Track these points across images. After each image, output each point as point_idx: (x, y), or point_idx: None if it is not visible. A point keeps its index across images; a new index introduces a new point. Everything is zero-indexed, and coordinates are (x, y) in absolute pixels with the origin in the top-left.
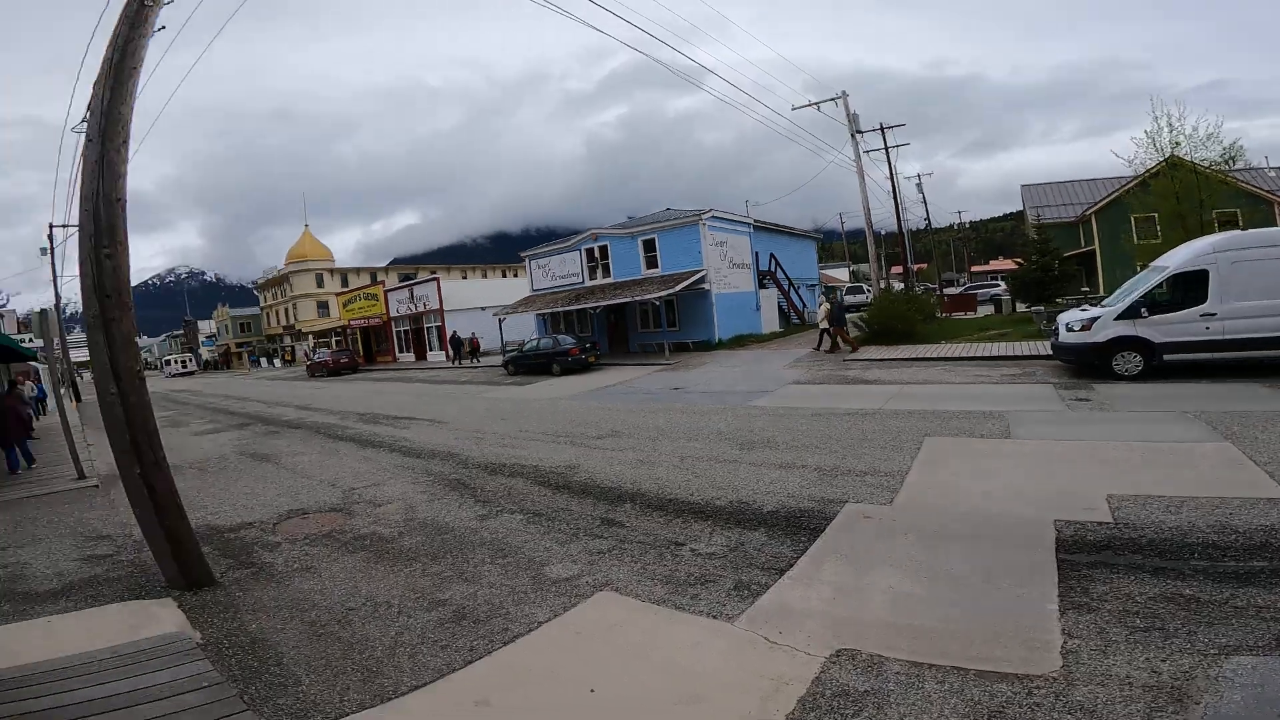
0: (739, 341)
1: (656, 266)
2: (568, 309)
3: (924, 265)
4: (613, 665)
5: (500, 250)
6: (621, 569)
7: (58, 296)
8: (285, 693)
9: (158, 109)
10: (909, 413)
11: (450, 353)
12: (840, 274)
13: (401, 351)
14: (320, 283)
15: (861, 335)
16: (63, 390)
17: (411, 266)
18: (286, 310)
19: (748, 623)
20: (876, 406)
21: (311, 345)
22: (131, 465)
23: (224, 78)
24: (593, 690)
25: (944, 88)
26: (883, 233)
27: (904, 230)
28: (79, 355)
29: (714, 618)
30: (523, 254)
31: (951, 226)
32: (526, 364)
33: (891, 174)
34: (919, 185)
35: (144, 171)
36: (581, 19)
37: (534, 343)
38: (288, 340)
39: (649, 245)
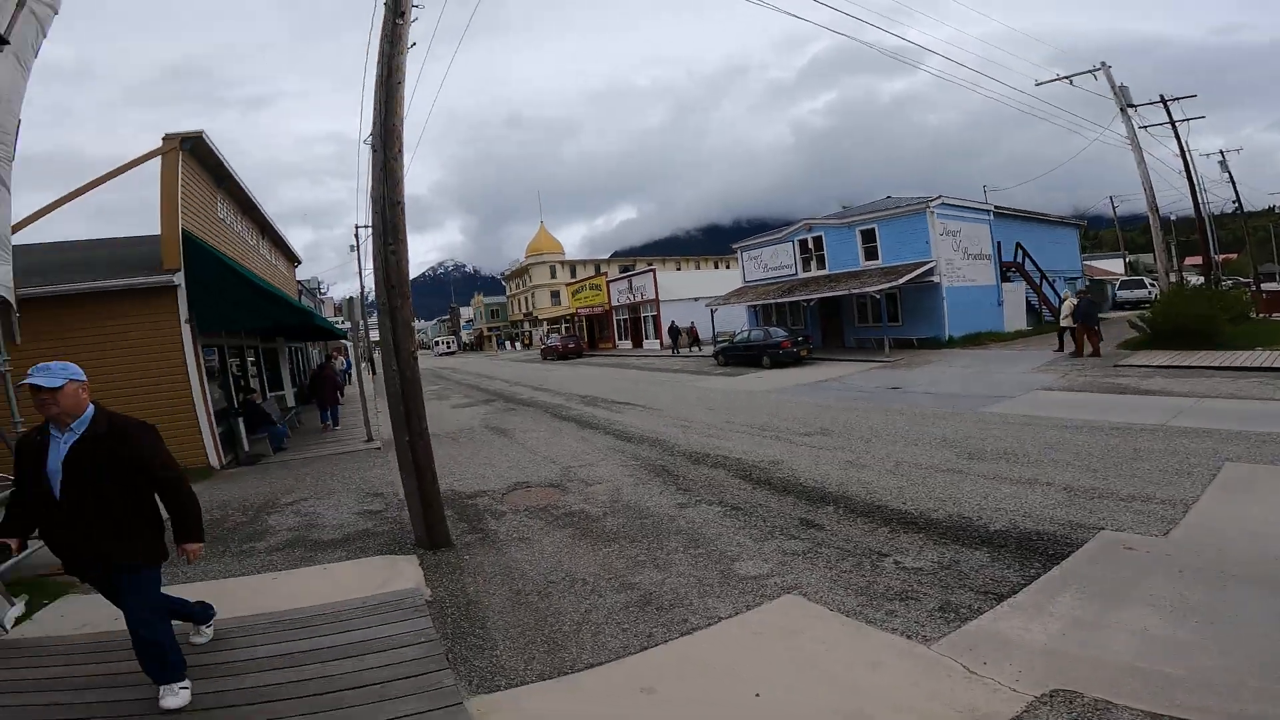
0: (974, 340)
1: (876, 258)
2: (780, 301)
3: (1233, 256)
4: (784, 672)
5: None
6: (813, 574)
7: (361, 286)
8: (482, 655)
9: (423, 120)
10: (1204, 431)
11: (668, 341)
12: (1112, 265)
13: (620, 339)
14: (553, 274)
15: (1141, 337)
16: (362, 365)
17: (630, 259)
18: (526, 299)
19: (947, 648)
20: (1157, 422)
21: (545, 331)
22: (402, 433)
23: (468, 91)
24: (757, 694)
25: (1238, 56)
26: (1172, 218)
27: (1204, 214)
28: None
29: (908, 637)
30: (734, 245)
31: (1272, 209)
32: (737, 355)
33: (1183, 151)
34: (1223, 163)
35: (420, 178)
36: (778, 7)
37: (745, 334)
38: (526, 326)
39: (868, 235)
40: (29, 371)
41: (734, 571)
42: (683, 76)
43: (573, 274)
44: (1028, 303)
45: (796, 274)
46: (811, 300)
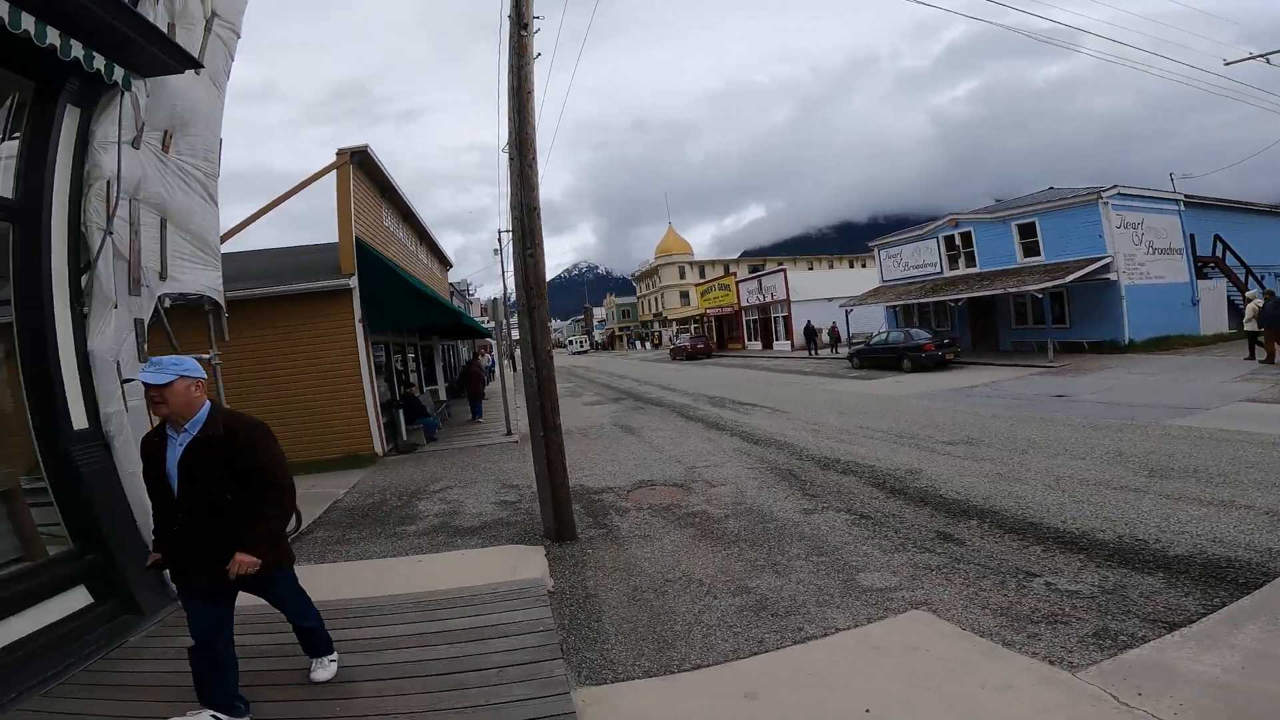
0: (1162, 343)
1: (1038, 254)
2: (923, 301)
3: None
4: (901, 689)
5: (845, 240)
6: (948, 590)
7: (504, 287)
8: (593, 648)
9: (553, 126)
10: None
11: (801, 341)
12: None
13: (750, 339)
14: (682, 274)
15: None
16: (504, 362)
17: (759, 258)
18: (656, 299)
19: (1096, 675)
20: None
21: (674, 331)
22: (537, 428)
23: (594, 97)
24: (868, 710)
25: None
26: None
27: None
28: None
29: (1050, 662)
30: (871, 243)
31: None
32: (873, 358)
33: None
34: None
35: (553, 182)
36: None
37: (882, 335)
38: (656, 326)
39: (1026, 230)
40: (142, 366)
41: (857, 582)
42: (806, 72)
43: (701, 274)
44: (1229, 302)
45: (942, 272)
46: (960, 300)
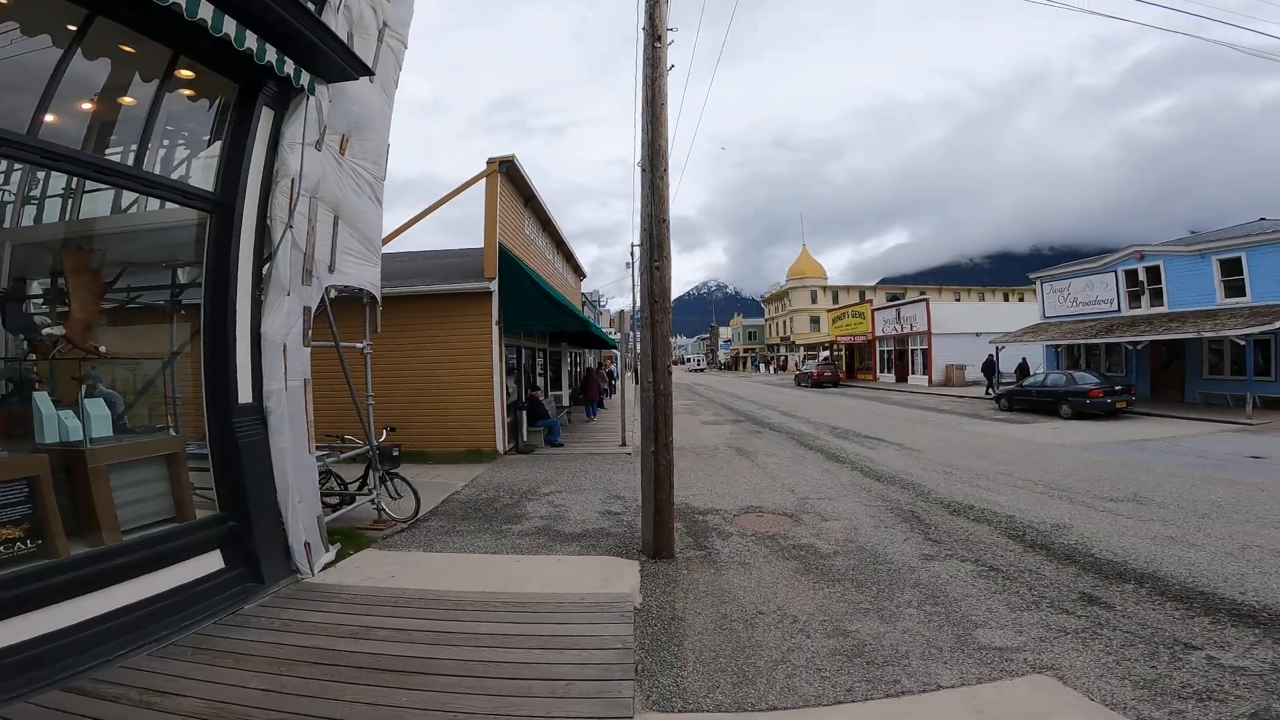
0: None
1: (1242, 294)
2: (1092, 341)
3: None
4: None
5: (1001, 271)
6: (1083, 656)
7: (634, 300)
8: (669, 673)
9: (689, 144)
10: None
11: (978, 376)
12: None
13: (883, 371)
14: (814, 299)
15: None
16: (627, 374)
17: (900, 286)
18: (785, 322)
19: None
20: None
21: (801, 357)
22: (649, 442)
23: (734, 112)
24: None
25: None
26: None
27: None
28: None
29: None
30: (1032, 275)
31: None
32: (1026, 400)
33: None
34: None
35: (688, 199)
36: (1092, 9)
37: (1039, 377)
38: (782, 350)
39: (1230, 266)
40: None
41: (973, 638)
42: (962, 89)
43: (834, 300)
44: None
45: (1119, 310)
46: (1140, 343)
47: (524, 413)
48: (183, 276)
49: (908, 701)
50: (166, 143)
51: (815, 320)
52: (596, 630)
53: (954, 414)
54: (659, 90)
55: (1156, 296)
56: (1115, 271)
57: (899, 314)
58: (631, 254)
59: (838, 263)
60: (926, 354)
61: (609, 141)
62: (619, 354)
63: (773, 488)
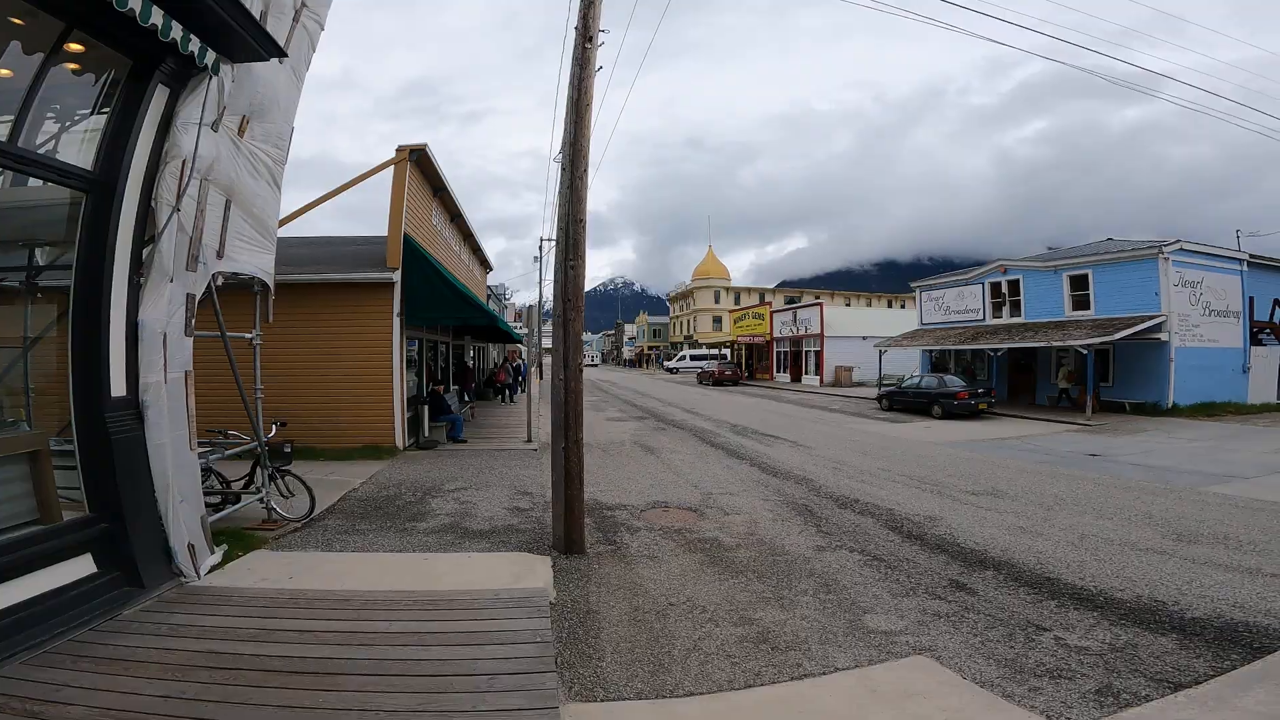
0: (1207, 409)
1: (1088, 308)
2: (960, 348)
3: None
4: None
5: (887, 279)
6: (954, 638)
7: (540, 295)
8: (588, 664)
9: (606, 140)
10: None
11: (869, 379)
12: None
13: (779, 371)
14: (717, 299)
15: None
16: (533, 369)
17: (797, 290)
18: (689, 321)
19: None
20: None
21: (686, 356)
22: (559, 439)
23: (651, 113)
24: None
25: None
26: None
27: None
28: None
29: (1048, 717)
30: (913, 284)
31: None
32: (904, 401)
33: None
34: None
35: (600, 195)
36: (982, 35)
37: (915, 380)
38: (685, 348)
39: (1078, 282)
40: None
41: (863, 623)
42: (871, 102)
43: (736, 301)
44: None
45: (984, 320)
46: (1000, 350)
47: (425, 408)
48: (43, 257)
49: (810, 684)
50: (42, 115)
51: (718, 320)
52: (514, 625)
53: (842, 413)
54: (585, 90)
55: (1015, 308)
56: (983, 283)
57: (795, 316)
58: (540, 248)
59: (741, 264)
60: (819, 355)
61: (526, 133)
62: (524, 349)
63: (678, 483)
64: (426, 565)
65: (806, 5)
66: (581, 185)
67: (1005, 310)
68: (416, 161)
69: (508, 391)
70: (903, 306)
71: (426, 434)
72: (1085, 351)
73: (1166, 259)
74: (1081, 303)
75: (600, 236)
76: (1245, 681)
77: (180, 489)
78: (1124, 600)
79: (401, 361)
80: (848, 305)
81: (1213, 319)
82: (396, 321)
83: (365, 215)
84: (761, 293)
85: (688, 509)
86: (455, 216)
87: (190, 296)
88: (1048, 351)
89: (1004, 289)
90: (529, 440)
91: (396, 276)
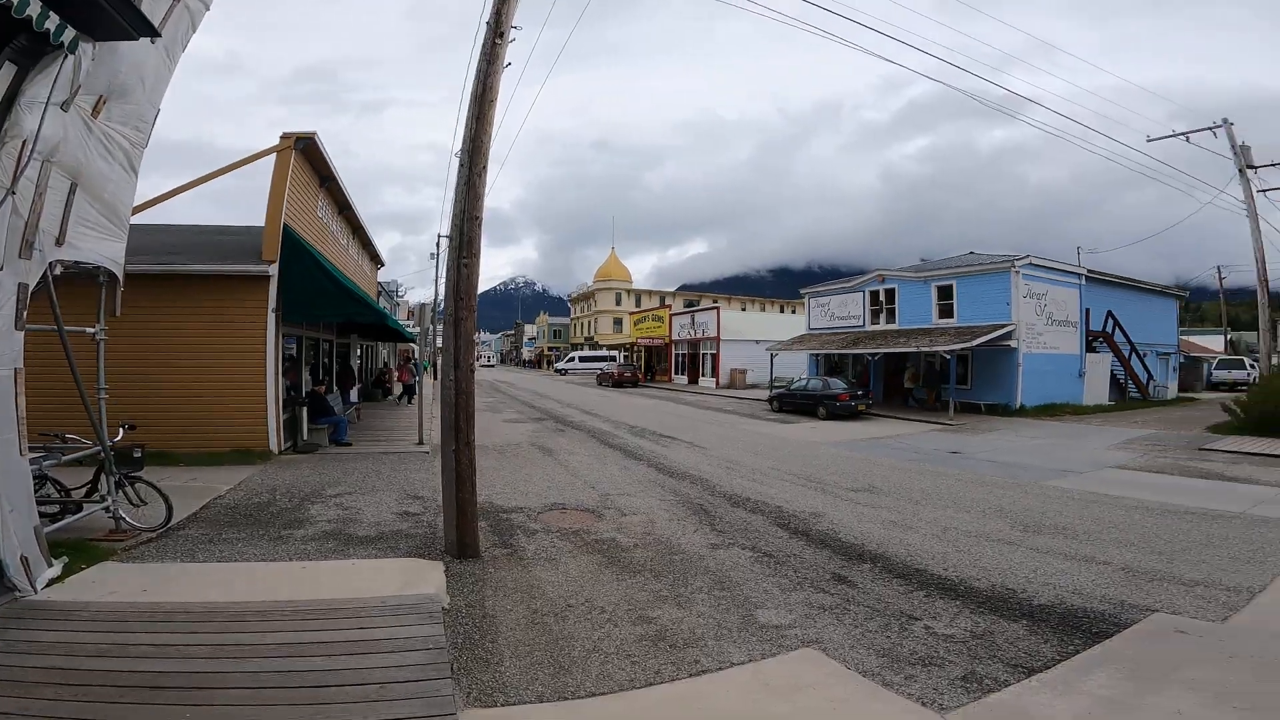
0: (1049, 410)
1: (951, 316)
2: (843, 352)
3: None
4: None
5: (781, 284)
6: (838, 630)
7: (436, 293)
8: (486, 669)
9: (513, 138)
10: None
11: (760, 381)
12: (1212, 342)
13: (677, 373)
14: (618, 301)
15: (1233, 422)
16: (427, 369)
17: (696, 293)
18: (590, 323)
19: (963, 718)
20: (1238, 510)
21: (576, 357)
22: (449, 441)
23: (561, 113)
24: None
25: None
26: None
27: None
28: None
29: (923, 704)
30: (803, 290)
31: None
32: (792, 403)
33: None
34: None
35: (504, 193)
36: (871, 51)
37: (803, 382)
38: (586, 349)
39: (944, 292)
40: None
41: (755, 618)
42: (774, 113)
43: (637, 303)
44: (1113, 375)
45: (864, 326)
46: (876, 354)
47: (304, 409)
48: None
49: (707, 679)
50: None
51: (619, 322)
52: (405, 633)
53: (736, 414)
54: (491, 86)
55: (891, 315)
56: (863, 291)
57: (693, 320)
58: (438, 245)
59: (644, 267)
60: (715, 358)
61: (429, 126)
62: (417, 348)
63: (575, 485)
64: (305, 574)
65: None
66: (480, 182)
67: (882, 317)
68: (303, 150)
69: (408, 394)
70: (794, 312)
71: (305, 437)
72: (949, 356)
73: (1017, 272)
74: (947, 311)
75: (503, 235)
76: (1088, 665)
77: (10, 497)
78: (981, 589)
79: (277, 360)
80: (743, 310)
81: (1055, 328)
82: (272, 317)
83: (246, 204)
84: (662, 295)
85: (585, 510)
86: (344, 208)
87: (23, 286)
88: (917, 356)
89: (882, 297)
90: (420, 443)
91: (273, 270)
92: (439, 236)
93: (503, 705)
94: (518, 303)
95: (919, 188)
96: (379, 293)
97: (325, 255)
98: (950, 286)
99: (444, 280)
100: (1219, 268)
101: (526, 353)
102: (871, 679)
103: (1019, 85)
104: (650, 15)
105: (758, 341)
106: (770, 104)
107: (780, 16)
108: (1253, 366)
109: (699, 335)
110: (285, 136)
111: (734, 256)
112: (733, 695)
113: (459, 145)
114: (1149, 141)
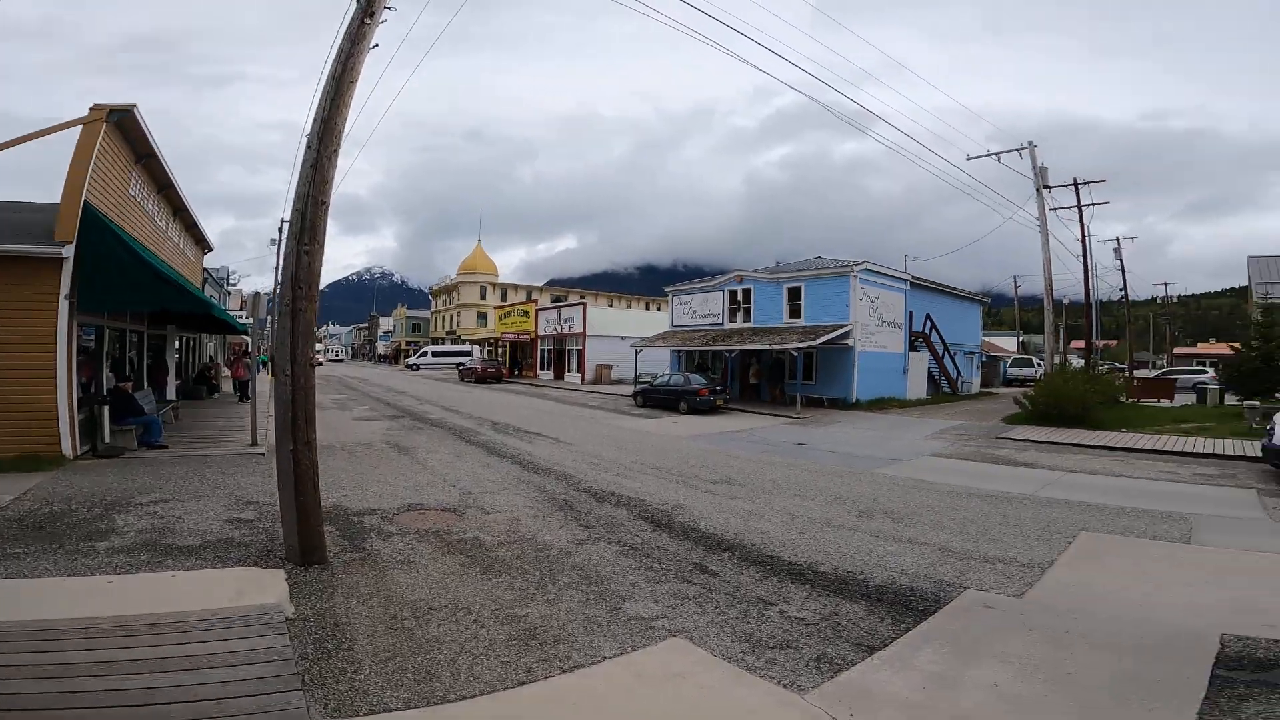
0: (879, 404)
1: (800, 316)
2: (703, 348)
3: (1113, 342)
4: (660, 716)
5: (647, 282)
6: (703, 618)
7: (276, 283)
8: (343, 678)
9: (376, 121)
10: (1066, 502)
11: (625, 377)
12: (1007, 343)
13: (543, 369)
14: (483, 294)
15: (1023, 413)
16: (264, 364)
17: (564, 289)
18: (452, 316)
19: (819, 698)
20: (1027, 492)
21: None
22: (286, 441)
23: (433, 98)
24: None
25: (1164, 142)
26: (1065, 301)
27: (1092, 300)
28: None
29: (784, 686)
30: (667, 289)
31: (1155, 300)
32: (655, 398)
33: (1083, 235)
34: (1117, 250)
35: (362, 177)
36: (746, 59)
37: (665, 378)
38: (448, 343)
39: (794, 293)
40: None
41: (623, 611)
42: (651, 112)
43: (503, 297)
44: (930, 373)
45: (723, 324)
46: (733, 351)
47: (105, 408)
48: None
49: (580, 675)
50: None
51: (483, 316)
52: (242, 645)
53: (600, 409)
54: (352, 67)
55: (747, 314)
56: (723, 291)
57: (560, 315)
58: (280, 230)
59: (511, 261)
60: (581, 354)
61: (278, 105)
62: (249, 340)
63: (434, 484)
64: (113, 588)
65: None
66: (329, 165)
67: (740, 315)
68: (118, 123)
69: (243, 391)
70: (659, 309)
71: (108, 439)
72: (796, 354)
73: (856, 277)
74: (796, 311)
75: (358, 222)
76: (918, 641)
77: None
78: (826, 573)
79: (70, 353)
80: (610, 306)
81: (885, 329)
82: (65, 305)
83: (49, 182)
84: (529, 290)
85: (446, 510)
86: (165, 187)
87: None
88: (769, 353)
89: (739, 297)
90: (254, 444)
91: (68, 251)
92: (281, 221)
93: (365, 714)
94: (373, 294)
95: (779, 193)
96: (204, 280)
97: (136, 238)
98: (800, 288)
99: (282, 269)
100: (1015, 277)
101: (382, 347)
102: (736, 664)
103: (871, 102)
104: (535, 6)
105: (623, 338)
106: (649, 103)
107: (662, 17)
108: (1039, 365)
109: (565, 331)
110: (97, 108)
111: (603, 253)
112: (606, 689)
113: (310, 127)
114: (968, 160)
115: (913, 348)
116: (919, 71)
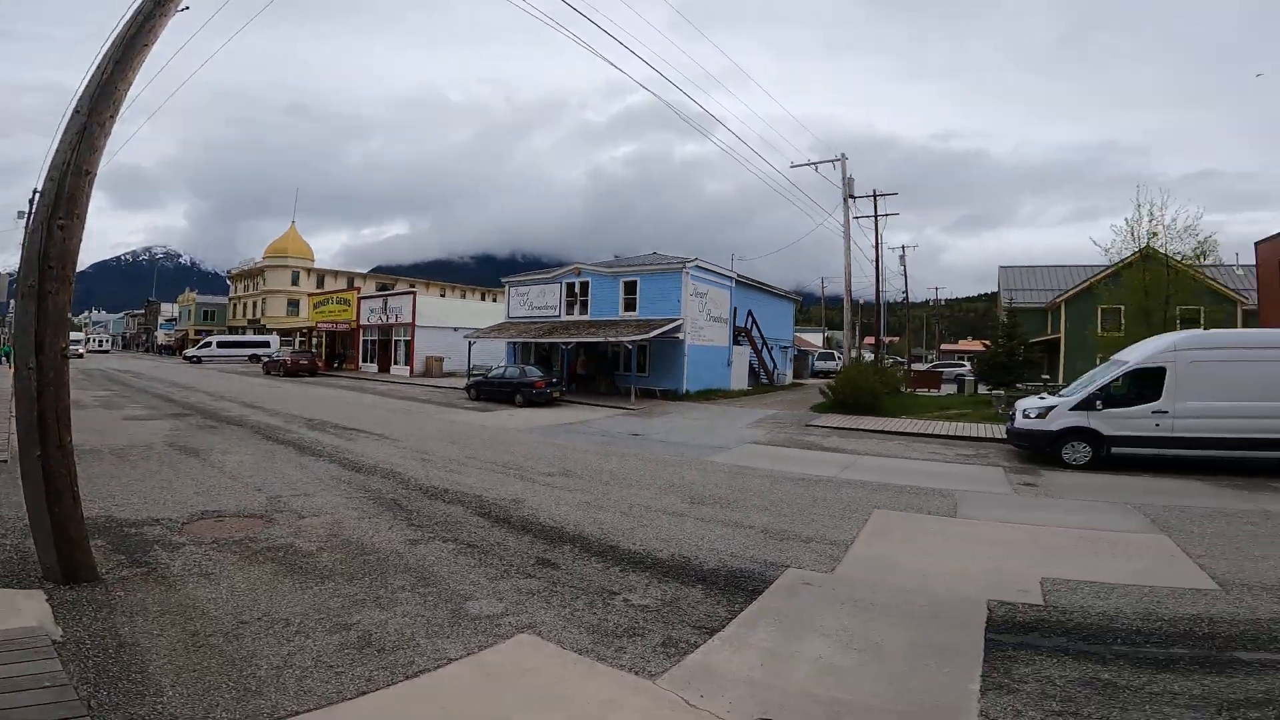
0: (706, 395)
1: (634, 310)
2: (540, 341)
3: (896, 338)
4: (516, 713)
5: (483, 272)
6: (549, 612)
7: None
8: (141, 702)
9: (173, 88)
10: (862, 483)
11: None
12: (815, 339)
13: (365, 361)
14: (295, 280)
15: (827, 402)
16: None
17: (391, 277)
18: (256, 303)
19: (669, 682)
20: (831, 474)
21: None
22: (32, 445)
23: (248, 66)
24: None
25: (947, 160)
26: (861, 301)
27: (881, 301)
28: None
29: (635, 674)
30: (504, 279)
31: (927, 302)
32: (490, 391)
33: (877, 243)
34: (902, 257)
35: (146, 145)
36: (600, 53)
37: (500, 370)
38: (249, 333)
39: (630, 287)
40: None
41: (466, 611)
42: (500, 100)
43: (320, 284)
44: (750, 365)
45: (560, 316)
46: (570, 344)
47: None
48: None
49: (427, 679)
50: None
51: (295, 304)
52: (4, 672)
53: (430, 403)
54: (150, 29)
55: (585, 306)
56: (561, 283)
57: (386, 304)
58: (30, 203)
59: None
60: (410, 345)
61: (46, 65)
62: None
63: (234, 488)
64: None
65: None
66: (100, 133)
67: (577, 308)
68: None
69: None
70: (495, 300)
71: None
72: (631, 347)
73: (687, 273)
74: (631, 305)
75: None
76: (750, 621)
77: None
78: (664, 560)
79: None
80: (443, 296)
81: (712, 324)
82: None
83: None
84: (351, 277)
85: (250, 516)
86: None
87: None
88: (605, 347)
89: (578, 289)
90: None
91: None
92: (34, 192)
93: None
94: (154, 276)
95: (621, 189)
96: None
97: None
98: (635, 283)
99: (30, 244)
100: (823, 279)
101: (164, 336)
102: (587, 655)
103: (714, 106)
104: None
105: (456, 329)
106: (499, 90)
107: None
108: (840, 359)
109: (392, 321)
110: None
111: (437, 241)
112: (456, 690)
113: (84, 89)
114: (792, 167)
115: (736, 342)
116: (759, 80)
